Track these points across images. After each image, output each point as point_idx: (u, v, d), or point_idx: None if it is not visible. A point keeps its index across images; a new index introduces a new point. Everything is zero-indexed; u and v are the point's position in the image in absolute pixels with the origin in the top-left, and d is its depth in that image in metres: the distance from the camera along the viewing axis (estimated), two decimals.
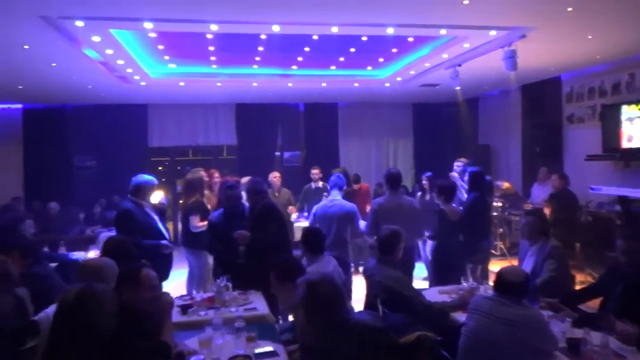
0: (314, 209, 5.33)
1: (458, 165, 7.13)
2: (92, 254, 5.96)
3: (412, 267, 5.01)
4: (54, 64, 6.69)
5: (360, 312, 3.35)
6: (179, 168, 11.80)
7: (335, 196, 5.23)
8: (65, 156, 10.44)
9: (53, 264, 4.71)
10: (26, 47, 5.79)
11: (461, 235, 4.98)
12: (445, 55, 7.10)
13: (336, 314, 2.27)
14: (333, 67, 8.47)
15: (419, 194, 7.32)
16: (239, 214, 4.71)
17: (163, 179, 10.72)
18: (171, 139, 11.04)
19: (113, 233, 6.91)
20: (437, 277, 5.05)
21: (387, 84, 9.23)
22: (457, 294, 3.70)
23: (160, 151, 11.28)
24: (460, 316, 3.30)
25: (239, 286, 4.06)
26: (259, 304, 3.81)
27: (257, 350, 2.81)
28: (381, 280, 3.51)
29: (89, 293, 2.20)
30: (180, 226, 7.43)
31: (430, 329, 2.94)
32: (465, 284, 3.86)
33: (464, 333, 2.75)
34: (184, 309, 3.62)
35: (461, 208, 5.34)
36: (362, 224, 5.23)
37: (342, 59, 7.89)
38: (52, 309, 3.49)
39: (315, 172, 7.89)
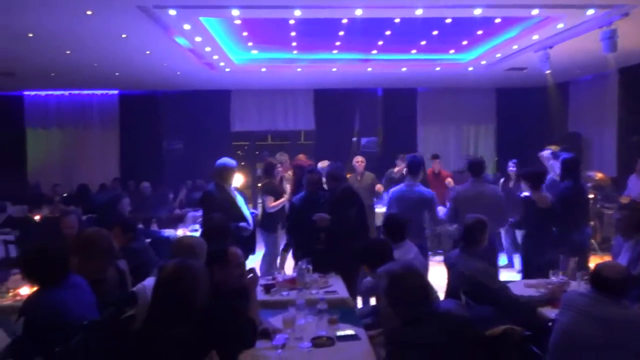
0: (390, 192, 5.28)
1: (546, 153, 6.77)
2: (181, 232, 6.33)
3: (495, 257, 4.84)
4: (148, 52, 7.10)
5: (445, 301, 3.29)
6: (256, 153, 12.14)
7: (414, 181, 5.12)
8: (155, 139, 11.11)
9: (147, 240, 5.03)
10: (124, 36, 6.19)
11: (554, 225, 4.72)
12: (535, 37, 6.72)
13: (422, 306, 2.24)
14: (414, 51, 8.29)
15: (502, 180, 7.04)
16: (320, 198, 4.74)
17: (242, 163, 11.09)
18: (252, 124, 11.36)
19: (199, 213, 7.28)
20: (525, 268, 4.85)
21: (471, 68, 8.90)
22: (546, 289, 3.53)
23: (241, 135, 11.65)
24: (549, 312, 3.16)
25: (318, 269, 4.13)
26: (338, 288, 3.85)
27: (339, 333, 2.84)
28: (464, 271, 3.42)
29: (185, 268, 2.31)
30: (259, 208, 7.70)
31: (517, 323, 2.83)
32: (554, 278, 3.67)
33: (556, 330, 2.62)
34: (267, 288, 3.74)
35: (550, 196, 5.04)
36: (441, 210, 5.11)
37: (424, 42, 7.70)
38: (148, 281, 3.75)
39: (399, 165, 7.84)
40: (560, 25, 6.06)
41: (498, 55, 7.94)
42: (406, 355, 2.03)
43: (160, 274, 2.39)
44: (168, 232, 6.20)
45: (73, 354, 2.59)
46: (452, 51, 8.42)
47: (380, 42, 7.64)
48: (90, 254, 3.48)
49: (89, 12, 5.21)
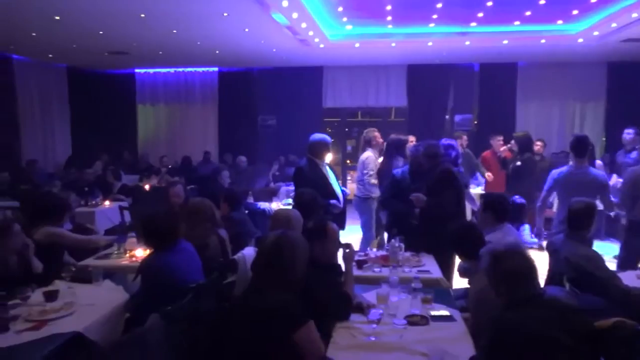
0: (554, 173, 4.81)
1: (628, 133, 6.18)
2: (275, 205, 6.57)
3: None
4: (246, 30, 7.34)
5: (550, 287, 3.14)
6: (346, 130, 12.18)
7: (581, 162, 4.63)
8: (251, 115, 11.53)
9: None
10: (225, 14, 6.43)
11: None
12: None
13: (526, 288, 2.16)
14: (517, 23, 7.80)
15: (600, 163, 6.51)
16: (423, 175, 4.51)
17: (333, 139, 11.18)
18: (343, 100, 11.38)
19: (291, 188, 7.50)
20: (626, 256, 4.49)
21: (580, 40, 8.21)
22: None
23: (332, 112, 11.73)
24: None
25: (411, 248, 4.10)
26: (432, 267, 3.81)
27: (433, 313, 2.82)
28: (569, 257, 3.24)
29: (285, 239, 2.41)
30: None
31: (628, 316, 2.64)
32: None
33: None
34: (360, 264, 3.79)
35: None
36: None
37: (528, 12, 7.22)
38: (247, 250, 3.96)
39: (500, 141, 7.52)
40: None
41: (614, 25, 7.24)
42: (509, 341, 1.96)
43: (262, 244, 2.52)
44: (263, 204, 6.44)
45: (183, 312, 2.82)
46: (559, 22, 7.82)
47: (481, 14, 7.27)
48: (195, 221, 3.75)
49: None
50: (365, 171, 5.88)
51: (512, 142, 7.15)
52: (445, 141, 5.42)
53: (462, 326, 2.70)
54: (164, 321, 2.61)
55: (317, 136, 5.10)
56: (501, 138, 7.84)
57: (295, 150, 10.23)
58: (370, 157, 5.96)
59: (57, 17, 6.48)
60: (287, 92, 11.06)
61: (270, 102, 11.41)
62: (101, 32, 7.41)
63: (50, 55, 9.66)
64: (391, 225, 4.73)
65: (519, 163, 6.79)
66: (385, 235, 5.26)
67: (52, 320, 2.72)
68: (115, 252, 4.17)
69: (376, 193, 5.75)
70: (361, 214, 5.98)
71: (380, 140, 6.21)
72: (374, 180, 5.81)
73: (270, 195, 7.15)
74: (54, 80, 10.64)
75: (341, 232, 4.79)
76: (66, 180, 8.06)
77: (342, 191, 5.23)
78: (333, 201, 4.91)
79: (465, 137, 7.86)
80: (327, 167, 5.18)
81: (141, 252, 4.05)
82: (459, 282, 4.22)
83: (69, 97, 10.97)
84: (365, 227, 5.97)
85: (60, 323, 2.71)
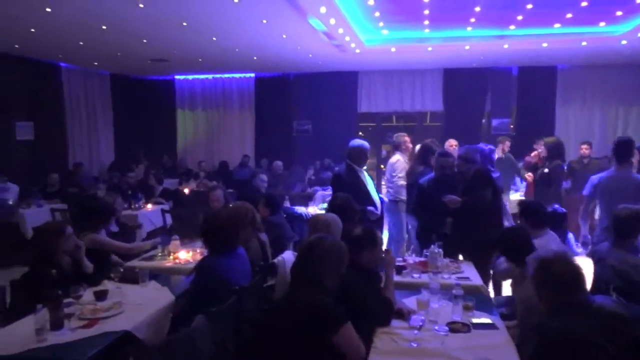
0: (593, 179, 4.65)
1: None
2: (312, 209, 6.63)
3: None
4: (284, 36, 7.44)
5: (598, 296, 3.08)
6: (380, 134, 12.13)
7: (625, 167, 4.45)
8: (286, 120, 11.67)
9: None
10: (264, 21, 6.55)
11: None
12: None
13: (574, 296, 2.13)
14: (557, 25, 7.65)
15: None
16: (451, 182, 4.52)
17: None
18: (378, 105, 11.37)
19: (328, 192, 7.54)
20: None
21: (624, 42, 7.98)
22: None
23: (367, 116, 11.73)
24: None
25: (446, 254, 4.07)
26: (471, 274, 3.78)
27: (475, 320, 2.80)
28: (616, 265, 3.16)
29: (318, 242, 2.48)
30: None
31: None
32: None
33: None
34: (399, 269, 3.79)
35: None
36: None
37: (569, 15, 7.06)
38: (286, 254, 4.02)
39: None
40: None
41: None
42: (555, 348, 1.94)
43: (299, 246, 2.59)
44: (300, 209, 6.51)
45: (227, 314, 2.90)
46: (602, 24, 7.62)
47: (520, 17, 7.16)
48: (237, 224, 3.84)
49: (235, 0, 5.60)
50: (394, 174, 5.94)
51: (542, 147, 6.95)
52: (481, 146, 5.37)
53: (505, 334, 2.67)
54: (209, 322, 2.68)
55: (357, 142, 5.05)
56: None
57: (330, 154, 10.30)
58: (400, 161, 6.01)
59: (104, 27, 6.75)
60: (323, 97, 11.15)
61: (305, 107, 11.52)
62: (145, 41, 7.67)
63: (96, 63, 10.06)
64: (422, 232, 4.67)
65: (546, 170, 6.55)
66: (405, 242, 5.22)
67: (103, 318, 2.84)
68: (159, 254, 4.28)
69: (405, 196, 5.78)
70: (390, 217, 6.01)
71: (410, 145, 6.25)
72: (403, 182, 5.83)
73: (307, 200, 7.22)
74: (98, 87, 11.08)
75: None
76: (110, 184, 8.35)
77: (380, 198, 5.21)
78: (370, 208, 4.87)
79: (508, 143, 7.67)
80: (365, 173, 5.15)
81: (184, 255, 4.17)
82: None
83: (112, 102, 11.40)
84: (394, 230, 6.01)
85: (110, 322, 2.82)
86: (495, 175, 4.66)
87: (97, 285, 3.31)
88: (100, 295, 3.10)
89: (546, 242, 3.58)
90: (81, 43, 7.83)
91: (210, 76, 11.98)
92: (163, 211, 6.84)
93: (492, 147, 5.69)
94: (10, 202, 6.90)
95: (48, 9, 5.83)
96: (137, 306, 3.05)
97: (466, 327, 2.71)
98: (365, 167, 5.23)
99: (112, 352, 2.62)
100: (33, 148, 9.10)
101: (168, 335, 2.95)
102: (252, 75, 11.77)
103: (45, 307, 2.59)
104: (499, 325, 2.78)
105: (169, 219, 6.80)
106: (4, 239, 6.57)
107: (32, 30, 6.83)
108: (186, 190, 8.12)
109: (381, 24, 7.66)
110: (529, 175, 7.18)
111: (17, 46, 8.05)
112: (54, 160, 9.37)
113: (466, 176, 4.49)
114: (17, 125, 8.77)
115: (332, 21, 6.68)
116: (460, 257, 4.35)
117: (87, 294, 3.14)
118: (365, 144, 5.08)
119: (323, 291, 2.34)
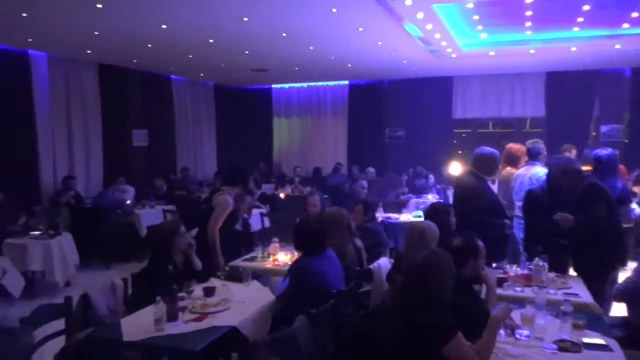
0: None
1: None
2: (404, 217, 6.59)
3: None
4: (379, 43, 7.49)
5: None
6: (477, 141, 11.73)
7: None
8: (379, 127, 11.69)
9: None
10: (360, 29, 6.64)
11: None
12: None
13: None
14: None
15: None
16: (563, 192, 4.18)
17: (459, 152, 10.86)
18: (474, 111, 11.05)
19: (421, 199, 7.45)
20: None
21: None
22: None
23: (462, 123, 11.41)
24: None
25: (555, 268, 3.85)
26: (580, 291, 3.54)
27: (586, 340, 2.63)
28: None
29: (433, 258, 2.42)
30: None
31: None
32: None
33: None
34: (499, 281, 3.65)
35: None
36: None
37: None
38: (382, 260, 4.05)
39: None
40: None
41: None
42: None
43: (411, 262, 2.56)
44: (393, 216, 6.50)
45: (326, 316, 2.97)
46: None
47: (635, 14, 6.61)
48: (333, 230, 3.93)
49: (334, 10, 5.74)
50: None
51: None
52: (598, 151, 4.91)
53: (621, 357, 2.49)
54: (310, 323, 2.77)
55: (486, 149, 4.59)
56: None
57: (423, 162, 10.15)
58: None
59: (211, 40, 7.22)
60: (416, 103, 11.03)
61: (398, 113, 11.46)
62: (247, 52, 8.08)
63: (202, 74, 10.79)
64: (529, 243, 4.45)
65: None
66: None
67: (211, 313, 3.04)
68: (260, 255, 4.50)
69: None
70: None
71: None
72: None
73: (400, 207, 7.18)
74: (203, 97, 11.93)
75: None
76: (213, 188, 8.86)
77: None
78: (507, 220, 4.53)
79: (574, 151, 6.91)
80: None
81: (283, 257, 4.33)
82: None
83: (215, 111, 12.21)
84: None
85: (218, 317, 3.01)
86: (618, 185, 4.32)
87: (205, 282, 3.55)
88: (209, 292, 3.32)
89: None
90: (190, 56, 8.43)
91: (305, 84, 12.34)
92: (262, 215, 7.15)
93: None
94: (128, 202, 7.60)
95: (164, 26, 6.36)
96: (241, 304, 3.22)
97: (577, 347, 2.55)
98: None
99: (217, 346, 2.79)
100: (147, 154, 9.96)
101: (269, 334, 3.09)
102: (346, 82, 11.95)
103: (163, 300, 2.83)
104: (614, 347, 2.60)
105: (267, 222, 7.09)
106: (125, 237, 7.25)
107: (149, 45, 7.48)
108: (282, 195, 8.41)
109: (480, 27, 7.44)
110: None
111: (135, 61, 8.85)
112: (165, 165, 10.19)
113: (576, 189, 4.18)
114: (133, 133, 9.65)
115: (429, 26, 6.61)
116: (572, 272, 4.09)
117: (197, 290, 3.39)
118: (496, 152, 4.64)
119: (437, 305, 2.31)
